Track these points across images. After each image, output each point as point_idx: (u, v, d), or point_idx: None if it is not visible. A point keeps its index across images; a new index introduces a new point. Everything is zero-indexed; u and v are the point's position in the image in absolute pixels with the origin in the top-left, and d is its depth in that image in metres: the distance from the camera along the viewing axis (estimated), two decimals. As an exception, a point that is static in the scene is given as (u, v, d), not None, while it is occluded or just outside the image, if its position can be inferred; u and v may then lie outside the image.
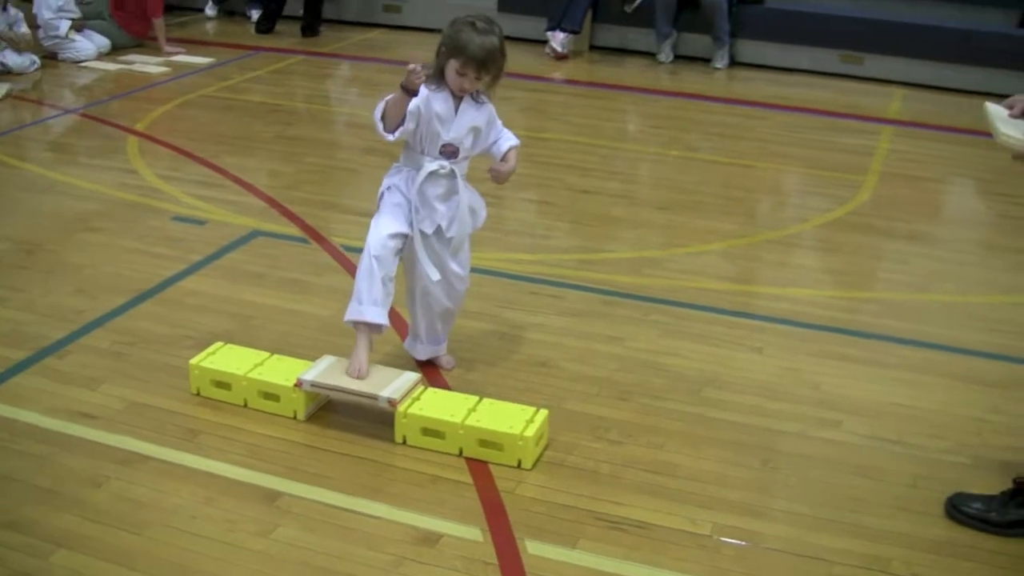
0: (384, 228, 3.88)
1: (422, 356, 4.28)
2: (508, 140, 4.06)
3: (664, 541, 3.34)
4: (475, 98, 3.93)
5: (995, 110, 3.39)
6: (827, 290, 5.31)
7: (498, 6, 10.60)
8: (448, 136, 3.89)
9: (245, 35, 10.80)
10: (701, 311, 4.92)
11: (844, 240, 5.92)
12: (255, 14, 11.15)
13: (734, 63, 10.18)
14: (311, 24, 10.78)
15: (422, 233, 3.96)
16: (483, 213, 4.13)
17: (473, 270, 4.22)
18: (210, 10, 11.62)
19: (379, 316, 3.88)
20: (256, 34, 10.77)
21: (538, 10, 10.38)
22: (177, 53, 9.71)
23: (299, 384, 3.87)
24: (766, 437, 3.94)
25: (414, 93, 3.74)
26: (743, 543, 3.36)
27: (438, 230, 3.98)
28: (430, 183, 3.92)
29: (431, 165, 3.90)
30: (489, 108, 3.99)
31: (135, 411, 3.93)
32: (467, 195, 3.99)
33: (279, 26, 10.88)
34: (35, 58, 9.03)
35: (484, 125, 3.97)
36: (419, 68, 3.68)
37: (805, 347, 4.62)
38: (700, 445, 3.86)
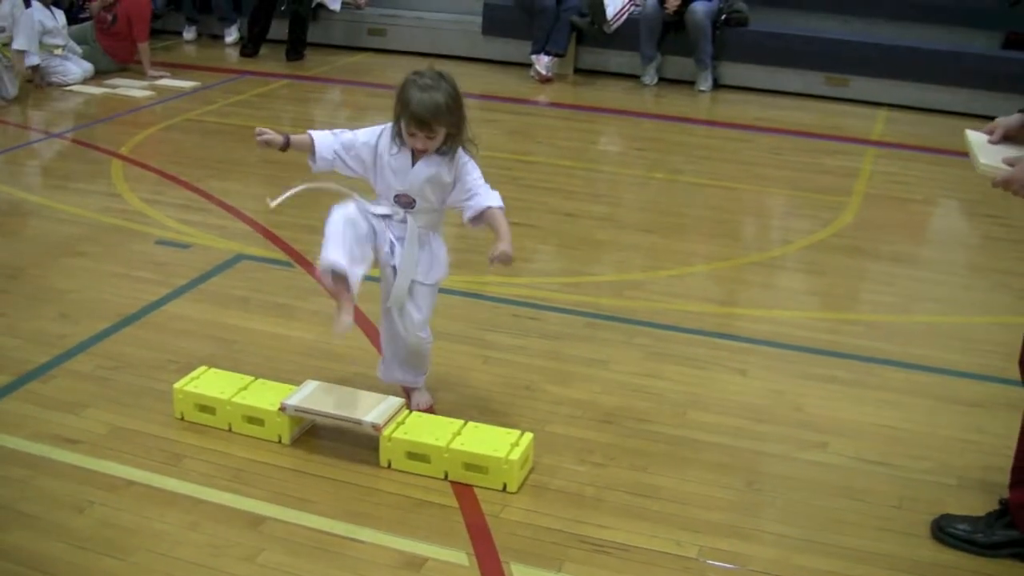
0: (350, 206, 3.82)
1: (386, 379, 4.16)
2: (486, 199, 3.84)
3: (649, 564, 3.34)
4: (440, 153, 3.79)
5: (975, 137, 3.38)
6: (811, 311, 5.32)
7: (482, 29, 10.64)
8: (401, 187, 3.81)
9: (230, 59, 10.82)
10: (685, 333, 4.93)
11: (828, 261, 5.93)
12: (230, 36, 11.25)
13: (718, 85, 10.22)
14: (296, 48, 10.79)
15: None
16: (438, 272, 3.96)
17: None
18: (188, 33, 11.65)
19: (340, 259, 3.70)
20: (241, 57, 10.80)
21: (522, 33, 10.39)
22: (162, 77, 9.72)
23: (283, 409, 3.86)
24: (750, 459, 3.94)
25: (285, 147, 3.90)
26: (729, 565, 3.35)
27: (394, 268, 3.89)
28: (387, 223, 3.86)
29: (383, 208, 3.85)
30: (457, 160, 3.81)
31: (119, 436, 3.92)
32: (420, 249, 3.87)
33: (264, 49, 10.91)
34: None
35: (448, 176, 3.81)
36: (260, 135, 3.87)
37: (789, 369, 4.63)
38: (684, 467, 3.86)
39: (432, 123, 3.67)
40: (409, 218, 3.84)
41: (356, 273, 3.74)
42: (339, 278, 3.73)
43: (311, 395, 3.93)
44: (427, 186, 3.80)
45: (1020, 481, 3.41)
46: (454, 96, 3.71)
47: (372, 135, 3.86)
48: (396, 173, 3.81)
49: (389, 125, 3.82)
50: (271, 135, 3.88)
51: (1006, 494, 3.48)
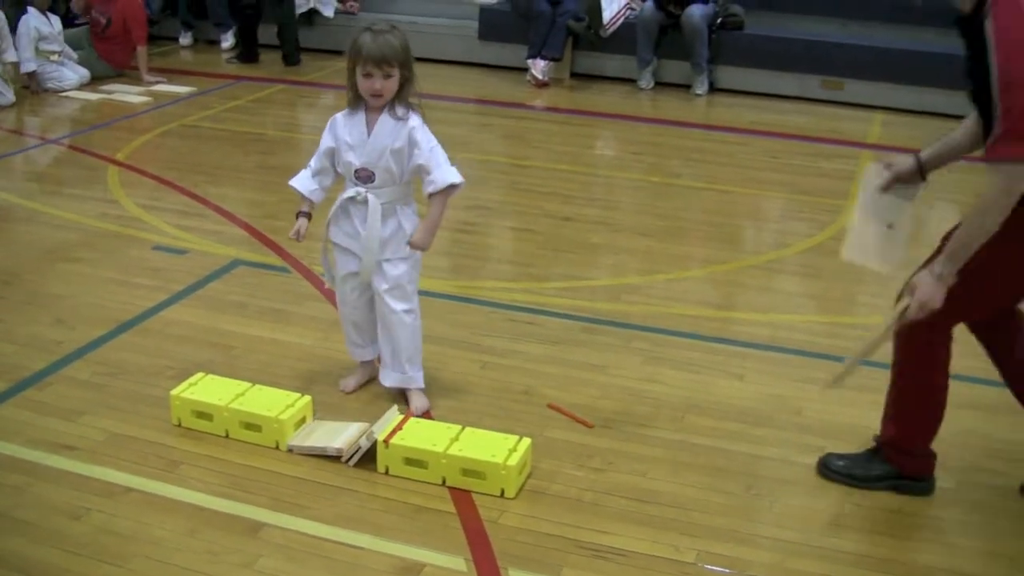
0: (338, 282, 4.18)
1: (386, 383, 4.20)
2: (446, 176, 3.86)
3: (647, 569, 3.33)
4: (394, 114, 3.85)
5: (871, 175, 3.43)
6: (808, 315, 5.32)
7: (478, 34, 10.65)
8: (359, 161, 3.88)
9: (226, 64, 10.81)
10: (682, 338, 4.92)
11: (825, 265, 5.93)
12: (226, 41, 11.26)
13: (714, 89, 10.24)
14: (291, 53, 10.80)
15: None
16: (405, 249, 3.98)
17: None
18: (184, 39, 11.66)
19: (354, 355, 4.32)
20: (238, 63, 10.80)
21: (519, 38, 10.41)
22: (158, 82, 9.72)
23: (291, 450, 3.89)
24: (749, 463, 3.94)
25: (309, 215, 4.07)
26: (727, 570, 3.35)
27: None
28: (354, 207, 3.96)
29: (349, 191, 3.96)
30: (412, 125, 3.84)
31: (116, 442, 3.91)
32: (384, 226, 3.94)
33: (260, 55, 10.90)
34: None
35: (401, 141, 3.84)
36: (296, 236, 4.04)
37: (787, 372, 4.63)
38: (683, 472, 3.86)
39: (390, 59, 3.75)
40: (370, 196, 3.89)
41: (364, 354, 4.31)
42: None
43: (313, 435, 3.94)
44: (388, 156, 3.86)
45: (886, 417, 3.72)
46: (406, 43, 3.82)
47: (329, 127, 3.98)
48: (354, 148, 3.88)
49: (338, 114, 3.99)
50: (300, 226, 4.04)
51: (1005, 496, 3.49)
